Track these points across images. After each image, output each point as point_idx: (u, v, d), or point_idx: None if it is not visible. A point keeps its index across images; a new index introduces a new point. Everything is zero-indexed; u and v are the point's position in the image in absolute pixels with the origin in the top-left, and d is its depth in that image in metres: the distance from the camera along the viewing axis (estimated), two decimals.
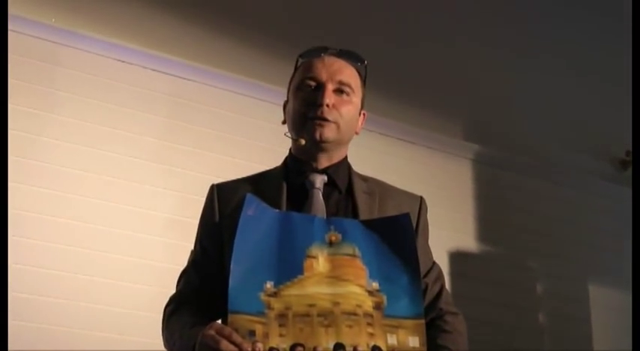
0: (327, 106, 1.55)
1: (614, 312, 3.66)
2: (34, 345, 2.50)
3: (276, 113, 3.05)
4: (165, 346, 1.57)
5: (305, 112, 1.56)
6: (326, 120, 1.55)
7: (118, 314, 2.64)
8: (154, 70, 2.95)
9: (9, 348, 2.35)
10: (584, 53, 4.08)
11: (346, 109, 1.58)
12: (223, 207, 1.60)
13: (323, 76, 1.57)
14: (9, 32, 2.68)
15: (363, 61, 1.64)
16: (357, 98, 1.62)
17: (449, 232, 3.35)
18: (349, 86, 1.59)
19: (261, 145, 2.99)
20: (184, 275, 1.64)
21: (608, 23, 4.15)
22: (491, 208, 3.57)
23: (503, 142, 3.68)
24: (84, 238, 2.67)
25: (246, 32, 3.17)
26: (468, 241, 3.46)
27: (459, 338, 1.59)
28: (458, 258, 3.36)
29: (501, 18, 3.87)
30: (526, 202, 3.65)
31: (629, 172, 3.99)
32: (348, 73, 1.61)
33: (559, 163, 3.81)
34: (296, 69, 1.65)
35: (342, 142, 1.61)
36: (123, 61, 2.90)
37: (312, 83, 1.57)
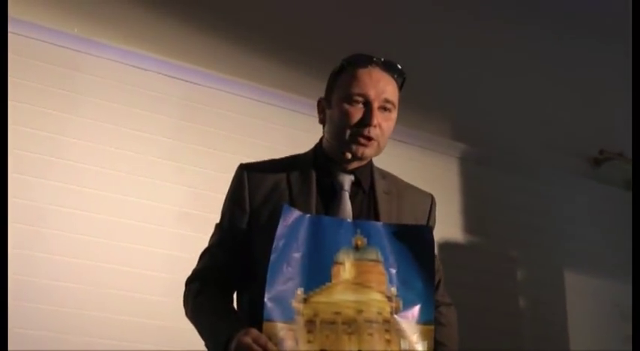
0: (374, 126, 1.51)
1: (587, 297, 3.70)
2: (56, 327, 2.50)
3: (278, 115, 3.12)
4: (190, 318, 1.56)
5: (351, 127, 1.51)
6: (370, 139, 1.52)
7: (132, 298, 2.64)
8: (166, 75, 2.94)
9: (31, 333, 2.38)
10: (563, 60, 4.07)
11: (387, 126, 1.55)
12: (253, 190, 1.56)
13: (371, 93, 1.51)
14: (33, 41, 2.73)
15: (403, 75, 1.59)
16: (395, 113, 1.57)
17: (438, 225, 3.28)
18: (392, 103, 1.55)
19: (264, 144, 2.99)
20: (209, 252, 1.61)
21: (583, 30, 4.14)
22: (476, 203, 3.56)
23: (487, 142, 3.68)
24: (102, 229, 2.67)
25: (252, 42, 3.16)
26: (455, 232, 3.46)
27: (452, 332, 1.61)
28: (446, 248, 3.36)
29: (485, 28, 3.87)
30: (508, 197, 3.65)
31: (601, 168, 4.02)
32: (392, 91, 1.55)
33: (538, 161, 3.81)
34: (339, 73, 1.58)
35: (378, 154, 1.59)
36: (138, 68, 2.89)
37: (360, 99, 1.52)
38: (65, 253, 2.59)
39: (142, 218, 2.75)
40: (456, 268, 3.29)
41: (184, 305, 1.59)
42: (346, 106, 1.52)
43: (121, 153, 2.78)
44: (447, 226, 3.40)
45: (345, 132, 1.52)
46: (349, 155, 1.53)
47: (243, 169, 1.60)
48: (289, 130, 3.07)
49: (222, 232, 1.59)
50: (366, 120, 1.50)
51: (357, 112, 1.51)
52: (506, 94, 3.83)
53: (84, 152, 2.72)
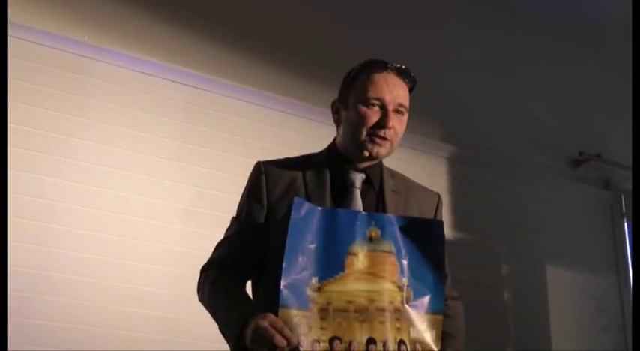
0: (390, 129, 1.54)
1: (566, 290, 3.69)
2: (68, 317, 2.50)
3: (277, 118, 3.13)
4: (205, 303, 1.56)
5: (368, 128, 1.53)
6: (385, 140, 1.54)
7: (139, 290, 2.64)
8: (172, 80, 2.94)
9: (45, 323, 2.38)
10: (546, 67, 4.07)
11: (400, 128, 1.57)
12: (271, 187, 1.56)
13: (387, 98, 1.54)
14: (46, 48, 2.72)
15: (414, 81, 1.62)
16: (407, 116, 1.60)
17: None
18: (405, 107, 1.58)
19: (264, 145, 2.98)
20: (226, 242, 1.61)
21: (564, 38, 4.15)
22: (463, 201, 3.53)
23: (474, 144, 3.64)
24: (111, 226, 2.67)
25: (252, 49, 3.15)
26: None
27: (460, 324, 1.60)
28: None
29: (472, 37, 3.88)
30: (493, 196, 3.65)
31: (580, 169, 4.02)
32: (404, 95, 1.58)
33: (521, 162, 3.80)
34: (355, 77, 1.59)
35: (390, 154, 1.61)
36: (145, 73, 2.89)
37: (377, 102, 1.54)
38: (76, 248, 2.60)
39: (148, 215, 2.75)
40: None
41: (198, 291, 1.59)
42: (364, 108, 1.54)
43: (128, 154, 2.78)
44: None
45: (362, 132, 1.54)
46: (367, 154, 1.55)
47: (261, 166, 1.60)
48: (287, 132, 3.07)
49: (240, 224, 1.59)
50: (383, 122, 1.53)
51: (374, 115, 1.54)
52: (492, 99, 3.82)
53: (94, 153, 2.72)
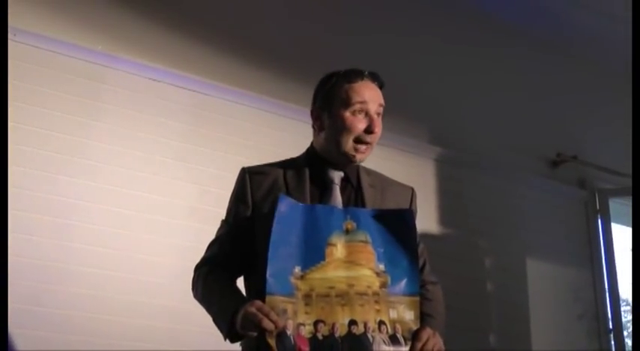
0: (377, 133, 1.55)
1: (546, 281, 3.67)
2: (79, 306, 2.49)
3: (276, 121, 3.13)
4: (199, 298, 1.57)
5: (354, 132, 1.53)
6: (369, 144, 1.55)
7: (145, 282, 2.64)
8: (178, 86, 2.94)
9: (58, 312, 2.39)
10: (527, 75, 4.07)
11: (380, 130, 1.57)
12: (255, 189, 1.57)
13: (370, 103, 1.54)
14: (63, 57, 2.72)
15: (383, 83, 1.62)
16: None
17: (416, 218, 3.35)
18: (383, 106, 1.58)
19: (263, 147, 2.99)
20: (216, 242, 1.62)
21: (542, 48, 4.16)
22: (450, 199, 3.53)
23: (460, 146, 3.63)
24: (121, 221, 2.67)
25: (253, 57, 3.15)
26: (431, 225, 3.45)
27: (439, 306, 1.60)
28: (423, 239, 3.29)
29: (458, 47, 3.88)
30: (477, 194, 3.63)
31: (558, 169, 4.01)
32: (381, 97, 1.58)
33: (504, 162, 3.78)
34: (334, 86, 1.58)
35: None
36: (153, 79, 2.90)
37: (362, 108, 1.53)
38: (88, 242, 2.60)
39: (155, 212, 2.75)
40: (432, 256, 3.30)
41: (193, 288, 1.60)
42: (350, 116, 1.54)
43: (137, 154, 2.79)
44: (425, 220, 3.40)
45: (348, 139, 1.54)
46: (356, 157, 1.55)
47: (246, 171, 1.61)
48: (285, 134, 3.05)
49: (228, 225, 1.60)
50: (370, 128, 1.54)
51: (359, 122, 1.54)
52: (477, 104, 3.81)
53: (106, 154, 2.73)
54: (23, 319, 2.37)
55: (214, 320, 1.50)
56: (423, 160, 3.53)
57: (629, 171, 4.08)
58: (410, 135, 3.51)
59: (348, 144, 1.54)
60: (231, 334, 1.42)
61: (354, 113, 1.54)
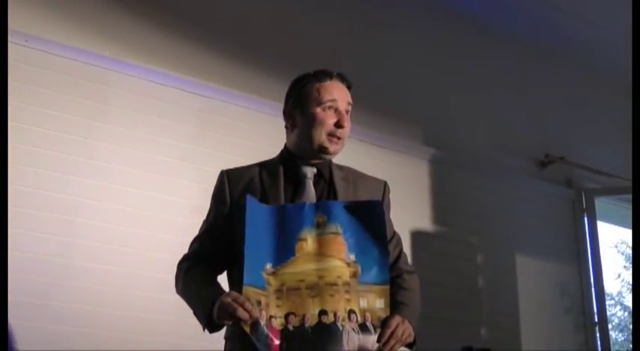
0: (345, 128, 1.57)
1: (534, 276, 3.68)
2: (86, 300, 2.50)
3: (274, 124, 3.10)
4: (180, 291, 1.58)
5: (325, 127, 1.56)
6: (340, 138, 1.57)
7: (150, 277, 2.62)
8: (183, 90, 2.93)
9: (66, 305, 2.39)
10: (516, 79, 4.06)
11: (349, 125, 1.60)
12: (232, 189, 1.58)
13: (339, 101, 1.57)
14: (71, 61, 2.72)
15: (350, 83, 1.65)
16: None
17: (411, 216, 3.34)
18: (351, 104, 1.61)
19: (264, 147, 2.86)
20: (197, 240, 1.63)
21: (533, 54, 4.15)
22: (443, 198, 3.53)
23: (453, 147, 3.64)
24: (126, 219, 2.67)
25: (257, 61, 3.15)
26: (425, 223, 3.46)
27: (414, 295, 1.58)
28: (417, 236, 3.36)
29: (450, 53, 3.89)
30: (469, 193, 3.64)
31: (546, 170, 4.02)
32: (349, 96, 1.62)
33: (494, 163, 3.79)
34: (305, 86, 1.61)
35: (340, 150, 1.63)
36: (158, 83, 2.89)
37: (332, 105, 1.57)
38: (96, 239, 2.60)
39: (161, 210, 2.75)
40: (426, 252, 3.31)
41: (176, 284, 1.60)
42: (321, 112, 1.57)
43: (142, 155, 2.79)
44: (418, 218, 3.42)
45: (321, 134, 1.56)
46: (330, 149, 1.57)
47: (224, 173, 1.63)
48: (285, 135, 3.06)
49: (208, 224, 1.62)
50: (340, 123, 1.57)
51: (330, 117, 1.57)
52: (469, 107, 3.82)
53: (113, 155, 2.73)
54: (32, 311, 2.38)
55: (194, 312, 1.50)
56: (418, 161, 3.53)
57: (615, 171, 4.10)
58: (405, 137, 3.52)
59: (322, 137, 1.56)
60: (209, 325, 1.43)
61: (324, 109, 1.56)
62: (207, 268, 1.55)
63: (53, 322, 2.42)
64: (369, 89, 3.29)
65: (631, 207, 4.11)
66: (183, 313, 2.58)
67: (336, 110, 1.57)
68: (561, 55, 4.22)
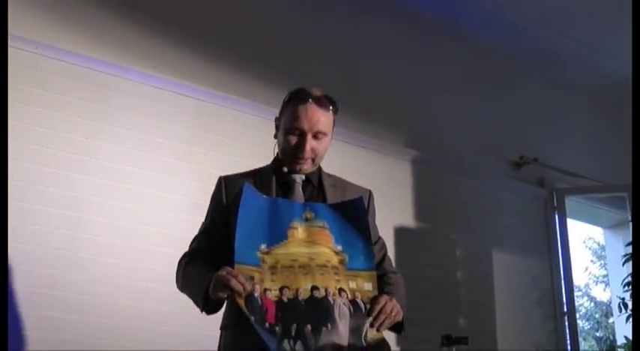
0: (306, 151, 1.56)
1: (509, 270, 3.69)
2: (91, 291, 2.50)
3: (267, 127, 3.09)
4: (179, 285, 1.59)
5: (291, 151, 1.57)
6: (304, 159, 1.58)
7: (152, 270, 2.62)
8: (181, 94, 2.94)
9: (72, 296, 2.39)
10: (493, 86, 4.09)
11: (320, 148, 1.59)
12: (229, 193, 1.61)
13: (305, 127, 1.55)
14: (78, 68, 2.72)
15: (335, 106, 1.61)
16: (328, 136, 1.61)
17: (394, 214, 3.35)
18: (323, 133, 1.57)
19: (258, 150, 2.92)
20: (196, 239, 1.66)
21: (512, 63, 4.19)
22: (424, 197, 3.53)
23: (434, 149, 3.65)
24: (129, 215, 2.67)
25: (250, 67, 3.16)
26: (408, 220, 3.46)
27: (400, 288, 1.61)
28: (401, 232, 3.37)
29: (433, 60, 3.91)
30: (449, 192, 3.65)
31: (521, 170, 4.04)
32: (324, 121, 1.57)
33: (472, 164, 3.80)
34: (286, 106, 1.61)
35: (316, 167, 1.64)
36: (159, 88, 2.89)
37: (297, 132, 1.56)
38: (99, 234, 2.60)
39: (161, 207, 2.76)
40: (409, 248, 3.32)
41: (176, 279, 1.61)
42: (288, 135, 1.58)
43: (144, 155, 2.79)
44: (402, 215, 3.42)
45: (287, 155, 1.59)
46: (296, 168, 1.59)
47: (222, 179, 1.66)
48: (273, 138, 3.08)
49: (206, 224, 1.65)
50: (300, 148, 1.56)
51: (294, 141, 1.57)
52: (449, 111, 3.80)
53: (115, 154, 2.73)
54: (40, 300, 2.39)
55: (193, 299, 1.50)
56: (400, 162, 3.54)
57: (584, 172, 4.16)
58: (388, 140, 3.53)
59: (288, 157, 1.59)
60: (206, 304, 1.44)
61: (293, 132, 1.56)
62: (204, 264, 1.55)
63: (60, 310, 2.42)
64: (355, 94, 3.31)
65: (601, 206, 4.21)
66: (181, 303, 2.63)
67: (301, 134, 1.55)
68: (536, 65, 4.26)
